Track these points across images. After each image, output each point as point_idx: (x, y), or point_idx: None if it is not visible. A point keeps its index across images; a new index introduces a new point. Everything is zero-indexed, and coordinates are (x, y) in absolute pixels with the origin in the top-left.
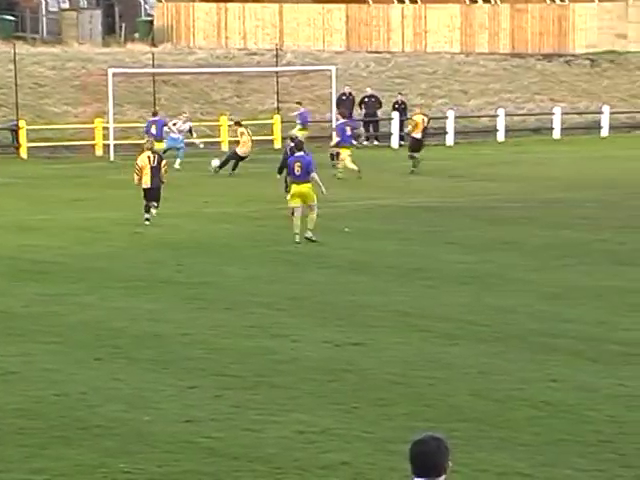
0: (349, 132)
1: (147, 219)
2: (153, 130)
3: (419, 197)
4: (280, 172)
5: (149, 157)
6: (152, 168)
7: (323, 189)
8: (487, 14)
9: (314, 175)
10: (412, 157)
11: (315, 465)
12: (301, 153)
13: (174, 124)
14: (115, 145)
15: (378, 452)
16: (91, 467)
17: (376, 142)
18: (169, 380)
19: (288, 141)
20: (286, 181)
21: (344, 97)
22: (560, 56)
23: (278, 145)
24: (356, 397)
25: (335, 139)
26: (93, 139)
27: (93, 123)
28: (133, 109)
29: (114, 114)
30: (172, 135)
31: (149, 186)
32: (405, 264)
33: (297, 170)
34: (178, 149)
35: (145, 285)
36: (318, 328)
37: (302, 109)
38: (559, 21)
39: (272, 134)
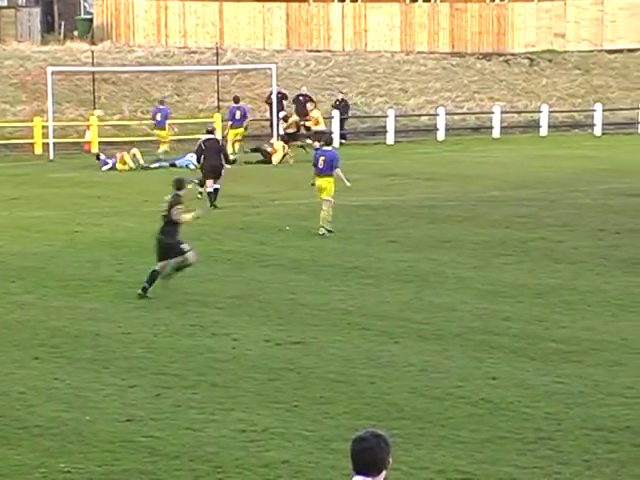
0: (238, 116)
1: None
2: (158, 117)
3: (360, 196)
4: (199, 161)
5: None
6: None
7: (347, 183)
8: (427, 13)
9: (338, 170)
10: None
11: (256, 464)
12: (328, 147)
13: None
14: (54, 144)
15: (319, 450)
16: (30, 467)
17: (309, 141)
18: (109, 379)
19: (205, 133)
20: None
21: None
22: (499, 55)
23: None
24: (297, 396)
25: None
26: (32, 138)
27: (32, 121)
28: (72, 107)
29: (53, 112)
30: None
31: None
32: (346, 263)
33: (321, 163)
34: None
35: (85, 284)
36: (258, 327)
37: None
38: (498, 20)
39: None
